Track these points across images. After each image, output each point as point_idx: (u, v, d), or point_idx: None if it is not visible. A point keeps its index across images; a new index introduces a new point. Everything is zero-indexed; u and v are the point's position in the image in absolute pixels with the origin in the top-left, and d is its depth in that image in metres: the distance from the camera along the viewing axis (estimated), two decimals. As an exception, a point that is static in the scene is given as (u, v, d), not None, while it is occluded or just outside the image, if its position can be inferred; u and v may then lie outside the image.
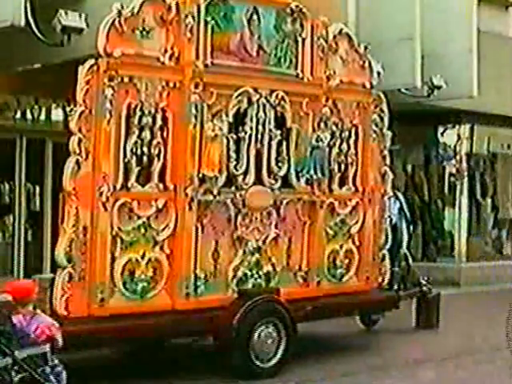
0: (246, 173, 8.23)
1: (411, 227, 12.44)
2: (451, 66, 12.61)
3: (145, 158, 7.57)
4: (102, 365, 8.37)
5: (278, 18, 8.50)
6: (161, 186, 7.69)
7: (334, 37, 9.04)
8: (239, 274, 8.20)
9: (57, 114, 12.38)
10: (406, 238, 11.58)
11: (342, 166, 9.17)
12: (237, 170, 8.15)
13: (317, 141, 8.66)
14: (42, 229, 12.34)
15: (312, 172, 8.64)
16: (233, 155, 8.10)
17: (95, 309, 7.29)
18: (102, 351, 8.26)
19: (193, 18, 7.79)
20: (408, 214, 11.87)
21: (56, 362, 5.16)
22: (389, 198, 10.15)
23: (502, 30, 15.85)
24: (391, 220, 10.60)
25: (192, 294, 7.83)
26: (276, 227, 8.47)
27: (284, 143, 8.51)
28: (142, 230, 7.58)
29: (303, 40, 8.69)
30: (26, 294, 5.37)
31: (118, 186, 7.42)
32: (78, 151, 7.17)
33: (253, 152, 8.25)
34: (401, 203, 11.55)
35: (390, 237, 9.82)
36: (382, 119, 9.46)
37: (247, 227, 8.24)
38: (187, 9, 7.77)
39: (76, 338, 7.08)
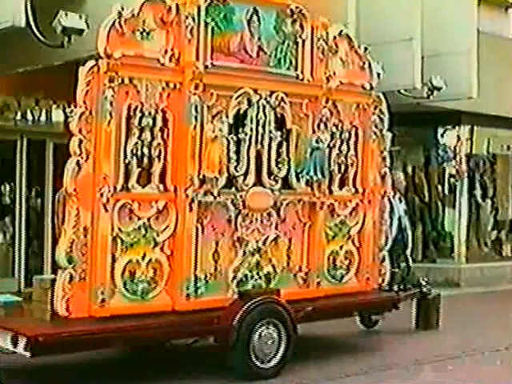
0: (246, 174, 8.24)
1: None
2: (451, 67, 12.62)
3: (145, 159, 7.58)
4: (102, 365, 8.39)
5: (278, 19, 8.51)
6: (161, 187, 7.70)
7: (334, 38, 9.05)
8: (239, 274, 8.21)
9: (57, 115, 12.40)
10: (410, 237, 11.59)
11: (342, 167, 9.19)
12: (237, 171, 8.16)
13: (317, 142, 8.68)
14: (43, 230, 12.36)
15: (312, 173, 8.65)
16: (233, 156, 8.11)
17: (96, 309, 7.30)
18: (103, 352, 8.27)
19: (193, 19, 7.81)
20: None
21: None
22: (394, 199, 10.24)
23: (502, 30, 15.87)
24: (400, 220, 10.74)
25: (192, 294, 7.84)
26: (276, 228, 8.49)
27: (284, 144, 8.53)
28: (143, 231, 7.60)
29: (303, 41, 8.70)
30: None
31: (119, 187, 7.43)
32: (78, 152, 7.18)
33: (253, 153, 8.27)
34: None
35: (391, 237, 9.88)
36: (381, 120, 9.47)
37: (247, 228, 8.25)
38: (187, 10, 7.79)
39: (76, 338, 7.12)
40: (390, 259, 9.77)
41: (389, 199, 10.60)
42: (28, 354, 6.84)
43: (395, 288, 10.00)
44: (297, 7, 8.64)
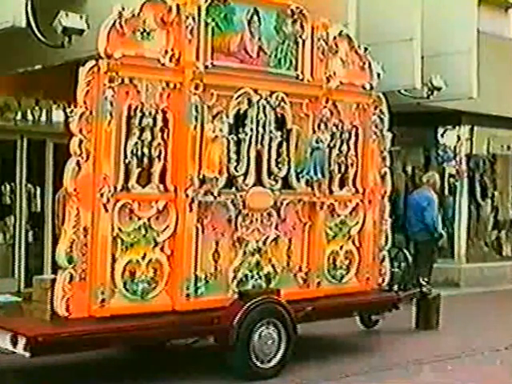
0: (246, 174, 8.24)
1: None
2: (451, 67, 12.61)
3: (145, 159, 7.58)
4: (102, 365, 8.39)
5: (279, 20, 8.51)
6: (161, 187, 7.70)
7: (334, 38, 9.06)
8: (239, 274, 8.21)
9: (57, 115, 12.41)
10: None
11: (342, 167, 9.19)
12: (237, 171, 8.17)
13: (317, 142, 8.68)
14: (43, 230, 12.36)
15: (312, 173, 8.65)
16: (233, 156, 8.11)
17: (96, 309, 7.30)
18: (103, 352, 8.27)
19: (193, 19, 7.81)
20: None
21: None
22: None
23: (502, 30, 15.87)
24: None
25: (192, 294, 7.84)
26: (276, 228, 8.49)
27: (284, 144, 8.53)
28: (143, 231, 7.59)
29: (303, 41, 8.70)
30: None
31: (119, 187, 7.43)
32: (78, 152, 7.18)
33: (253, 153, 8.27)
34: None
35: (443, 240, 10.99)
36: (381, 120, 9.47)
37: (247, 228, 8.25)
38: (188, 10, 7.79)
39: (77, 338, 7.12)
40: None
41: (440, 201, 11.00)
42: (28, 354, 6.84)
43: (395, 288, 10.00)
44: (297, 7, 8.64)
